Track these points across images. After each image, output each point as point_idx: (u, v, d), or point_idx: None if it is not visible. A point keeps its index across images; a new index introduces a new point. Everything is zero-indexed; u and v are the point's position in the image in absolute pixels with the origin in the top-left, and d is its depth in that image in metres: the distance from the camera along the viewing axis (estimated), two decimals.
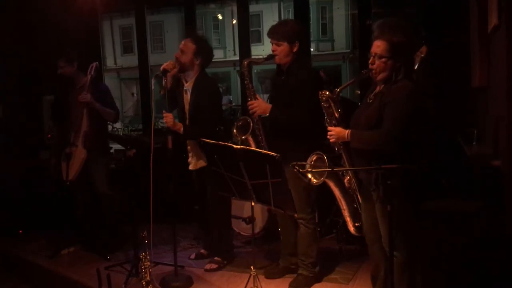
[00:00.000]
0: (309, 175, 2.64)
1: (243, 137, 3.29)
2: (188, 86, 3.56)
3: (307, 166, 2.61)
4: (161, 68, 3.37)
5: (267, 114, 3.14)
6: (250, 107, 3.19)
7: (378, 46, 2.50)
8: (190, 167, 3.64)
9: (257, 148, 3.16)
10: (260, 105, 3.14)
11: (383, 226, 2.54)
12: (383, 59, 2.47)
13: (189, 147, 3.63)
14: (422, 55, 2.83)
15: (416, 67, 2.80)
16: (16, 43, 5.39)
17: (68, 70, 3.99)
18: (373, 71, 2.52)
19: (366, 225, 2.72)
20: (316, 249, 3.28)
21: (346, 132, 2.55)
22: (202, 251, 3.90)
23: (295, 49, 3.14)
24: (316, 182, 2.65)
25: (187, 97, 3.56)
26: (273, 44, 3.16)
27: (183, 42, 3.54)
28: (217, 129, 3.45)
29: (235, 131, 3.39)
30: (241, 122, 3.38)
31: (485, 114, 3.80)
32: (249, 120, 3.28)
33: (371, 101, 2.59)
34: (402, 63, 2.48)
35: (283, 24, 3.28)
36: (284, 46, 3.12)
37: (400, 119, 2.42)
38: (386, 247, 2.57)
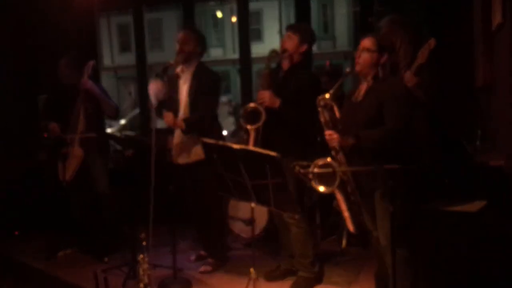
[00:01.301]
0: (321, 188, 2.57)
1: (254, 126, 3.11)
2: (186, 75, 3.52)
3: (311, 168, 2.56)
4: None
5: (276, 107, 3.08)
6: (260, 96, 3.12)
7: (365, 42, 2.58)
8: (181, 161, 3.55)
9: (254, 140, 3.12)
10: (271, 97, 3.09)
11: (382, 224, 2.54)
12: (369, 53, 2.54)
13: (176, 140, 3.54)
14: (431, 47, 2.79)
15: (425, 61, 2.78)
16: (14, 43, 5.35)
17: (68, 72, 3.93)
18: (359, 66, 2.57)
19: (369, 223, 2.71)
20: (312, 247, 3.26)
21: (351, 134, 2.52)
22: (202, 252, 3.86)
23: (303, 49, 3.17)
24: (325, 191, 2.59)
25: (185, 86, 3.51)
26: (286, 37, 3.19)
27: (182, 34, 3.51)
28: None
29: (242, 117, 3.19)
30: (251, 109, 3.17)
31: (488, 113, 3.77)
32: (261, 109, 3.12)
33: (360, 99, 2.61)
34: (388, 59, 2.56)
35: (302, 24, 3.66)
36: (295, 40, 3.15)
37: (403, 113, 2.48)
38: (384, 244, 2.57)
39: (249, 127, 3.12)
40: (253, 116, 3.14)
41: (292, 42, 3.15)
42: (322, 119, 2.62)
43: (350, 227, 2.71)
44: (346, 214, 2.67)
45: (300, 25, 3.49)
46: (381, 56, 2.55)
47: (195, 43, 3.51)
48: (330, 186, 2.56)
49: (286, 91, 3.12)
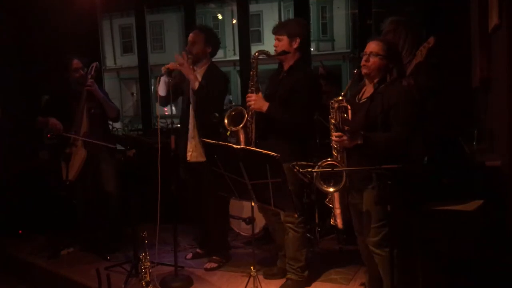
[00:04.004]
0: (330, 189, 2.59)
1: (234, 128, 3.16)
2: (198, 75, 3.55)
3: (315, 169, 2.59)
4: (165, 67, 3.42)
5: (264, 111, 3.06)
6: (248, 99, 3.11)
7: (373, 46, 2.57)
8: (189, 158, 3.60)
9: (245, 142, 3.14)
10: (258, 100, 3.07)
11: (368, 221, 2.56)
12: (379, 58, 2.53)
13: (191, 139, 3.59)
14: (430, 45, 2.80)
15: (423, 59, 2.79)
16: (15, 43, 5.39)
17: (82, 72, 3.97)
18: (367, 69, 2.56)
19: (356, 225, 2.75)
20: (305, 253, 3.22)
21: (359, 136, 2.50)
22: (198, 250, 3.91)
23: (295, 45, 3.12)
24: (334, 191, 2.62)
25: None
26: (276, 41, 3.16)
27: (191, 34, 3.59)
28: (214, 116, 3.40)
29: (226, 120, 3.21)
30: (235, 112, 3.20)
31: (485, 113, 3.80)
32: (244, 112, 3.14)
33: (363, 101, 2.60)
34: (395, 64, 2.55)
35: (285, 21, 3.45)
36: (284, 41, 3.11)
37: (411, 121, 2.47)
38: (369, 244, 2.61)
39: (231, 128, 3.16)
40: (237, 118, 3.17)
41: (284, 43, 3.10)
42: (332, 121, 2.58)
43: (339, 223, 2.73)
44: (338, 211, 2.71)
45: (282, 24, 3.28)
46: (390, 62, 2.55)
47: (203, 43, 3.56)
48: (335, 186, 2.58)
49: (285, 88, 3.10)
